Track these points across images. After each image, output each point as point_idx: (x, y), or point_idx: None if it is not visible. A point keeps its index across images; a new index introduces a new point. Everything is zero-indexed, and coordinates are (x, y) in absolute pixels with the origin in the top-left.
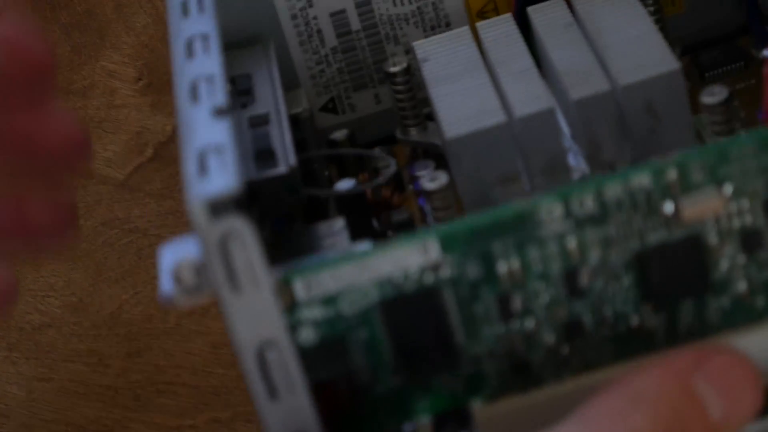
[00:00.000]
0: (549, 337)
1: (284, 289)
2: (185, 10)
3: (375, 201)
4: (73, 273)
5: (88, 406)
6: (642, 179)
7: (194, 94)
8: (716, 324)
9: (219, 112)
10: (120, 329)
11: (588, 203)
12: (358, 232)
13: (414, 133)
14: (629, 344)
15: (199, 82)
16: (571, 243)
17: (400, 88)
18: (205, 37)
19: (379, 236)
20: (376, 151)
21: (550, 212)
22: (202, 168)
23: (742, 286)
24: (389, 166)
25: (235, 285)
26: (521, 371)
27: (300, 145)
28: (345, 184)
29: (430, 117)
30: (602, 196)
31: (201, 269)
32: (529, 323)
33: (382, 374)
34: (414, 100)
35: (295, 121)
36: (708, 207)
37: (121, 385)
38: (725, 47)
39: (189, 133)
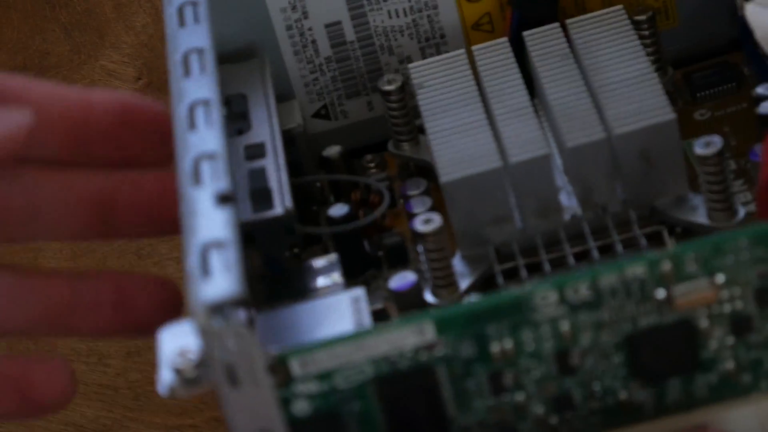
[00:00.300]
0: (538, 409)
1: (280, 367)
2: (186, 70)
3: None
4: None
5: (88, 405)
6: (637, 270)
7: (196, 173)
8: (703, 398)
9: (222, 200)
10: None
11: (582, 291)
12: (349, 258)
13: (406, 148)
14: (617, 416)
15: (202, 159)
16: (564, 327)
17: (393, 105)
18: (206, 105)
19: (370, 260)
20: (370, 180)
21: (545, 299)
22: (205, 266)
23: (729, 364)
24: (380, 194)
25: (234, 380)
26: None
27: (293, 161)
28: (338, 211)
29: (422, 130)
30: (597, 285)
31: (201, 363)
32: (519, 396)
33: None
34: (407, 116)
35: (289, 137)
36: (701, 297)
37: (121, 385)
38: (718, 66)
39: (191, 221)
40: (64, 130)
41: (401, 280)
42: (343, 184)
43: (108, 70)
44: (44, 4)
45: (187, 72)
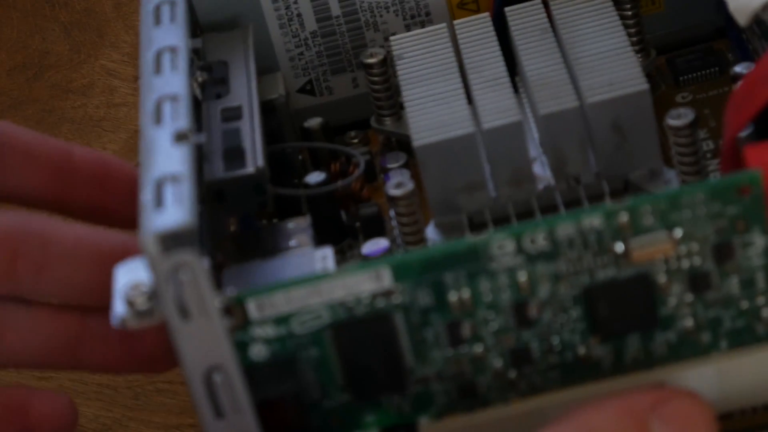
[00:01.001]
0: (496, 362)
1: (237, 309)
2: (157, 19)
3: (344, 194)
4: None
5: (87, 405)
6: (594, 221)
7: (158, 113)
8: (662, 356)
9: (180, 138)
10: None
11: (540, 241)
12: (326, 227)
13: (388, 123)
14: (575, 372)
15: (164, 101)
16: (522, 277)
17: (376, 79)
18: (173, 51)
19: (347, 230)
20: (347, 148)
21: (502, 248)
22: (159, 198)
23: (688, 322)
24: (358, 164)
25: (184, 313)
26: (468, 393)
27: (275, 132)
28: (315, 178)
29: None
30: (554, 235)
31: (152, 295)
32: (478, 348)
33: (332, 390)
34: (390, 90)
35: (271, 107)
36: (657, 249)
37: (121, 384)
38: (702, 51)
39: (149, 157)
40: (47, 173)
41: (374, 246)
42: (324, 157)
43: (108, 69)
44: (44, 4)
45: (157, 21)
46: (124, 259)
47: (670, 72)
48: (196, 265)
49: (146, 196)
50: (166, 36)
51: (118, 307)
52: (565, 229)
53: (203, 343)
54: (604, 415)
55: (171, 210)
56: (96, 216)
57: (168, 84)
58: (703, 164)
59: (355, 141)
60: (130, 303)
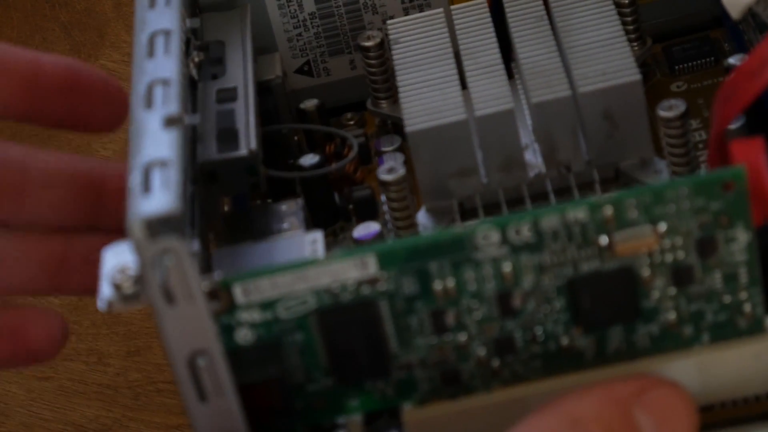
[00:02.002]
0: (480, 351)
1: (223, 293)
2: (152, 1)
3: (338, 176)
4: None
5: (88, 405)
6: (578, 213)
7: (149, 97)
8: (644, 349)
9: (170, 122)
10: (119, 328)
11: (524, 232)
12: (319, 209)
13: (384, 106)
14: (558, 362)
15: (156, 84)
16: (506, 267)
17: (372, 62)
18: (167, 35)
19: (340, 212)
20: (341, 131)
21: (487, 238)
22: (146, 182)
23: (671, 315)
24: (352, 147)
25: (169, 298)
26: (451, 380)
27: (271, 112)
28: (308, 160)
29: None
30: (538, 226)
31: (139, 279)
32: (461, 336)
33: (316, 375)
34: (386, 73)
35: (267, 88)
36: (641, 243)
37: (121, 384)
38: (698, 40)
39: (138, 141)
40: (16, 83)
41: (365, 229)
42: (319, 138)
43: (108, 69)
44: (44, 4)
45: (152, 4)
46: (102, 184)
47: (665, 60)
48: (182, 250)
49: (134, 180)
50: (160, 19)
51: (105, 290)
52: (549, 221)
53: (188, 327)
54: (587, 403)
55: (158, 195)
56: (69, 123)
57: (160, 68)
58: (694, 155)
59: (351, 123)
60: (117, 286)
